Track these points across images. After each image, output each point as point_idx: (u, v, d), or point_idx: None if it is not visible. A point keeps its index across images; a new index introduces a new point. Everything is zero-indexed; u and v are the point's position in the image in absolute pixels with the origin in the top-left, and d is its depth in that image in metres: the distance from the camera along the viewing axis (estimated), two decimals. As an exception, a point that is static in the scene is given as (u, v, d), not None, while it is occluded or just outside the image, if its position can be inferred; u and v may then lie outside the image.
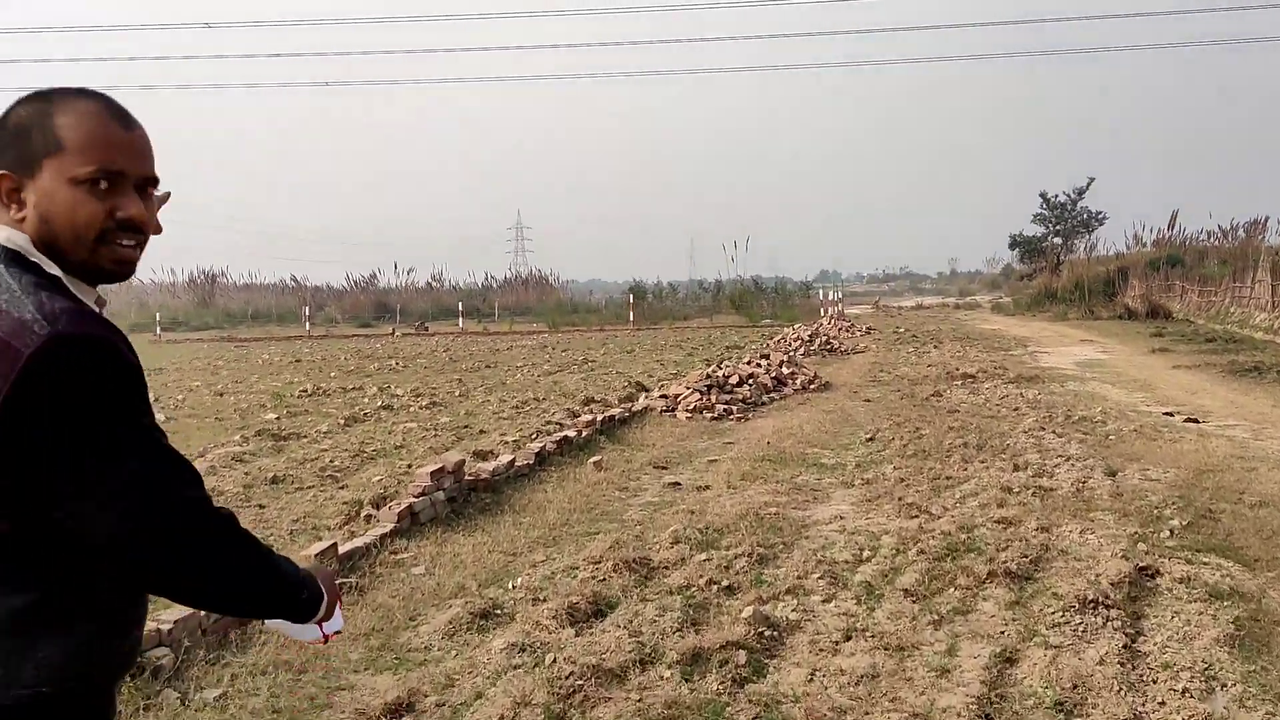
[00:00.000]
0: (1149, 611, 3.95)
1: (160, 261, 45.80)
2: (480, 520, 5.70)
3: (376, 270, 59.54)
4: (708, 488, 6.50)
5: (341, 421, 9.80)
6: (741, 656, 3.46)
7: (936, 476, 6.55)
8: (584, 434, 8.18)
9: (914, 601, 4.09)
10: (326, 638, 1.45)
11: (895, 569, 4.55)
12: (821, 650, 3.61)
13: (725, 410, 9.90)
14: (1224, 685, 3.25)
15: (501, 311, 39.65)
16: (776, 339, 19.98)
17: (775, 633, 3.74)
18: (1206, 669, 3.35)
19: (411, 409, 10.84)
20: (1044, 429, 8.41)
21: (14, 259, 1.17)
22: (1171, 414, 9.38)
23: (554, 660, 3.43)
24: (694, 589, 4.24)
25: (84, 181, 1.18)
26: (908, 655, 3.55)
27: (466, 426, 9.31)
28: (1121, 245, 41.64)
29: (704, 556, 4.69)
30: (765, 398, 11.02)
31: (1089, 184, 43.30)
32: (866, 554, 4.80)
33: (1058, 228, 44.34)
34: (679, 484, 6.69)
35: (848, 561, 4.69)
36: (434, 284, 48.44)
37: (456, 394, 12.33)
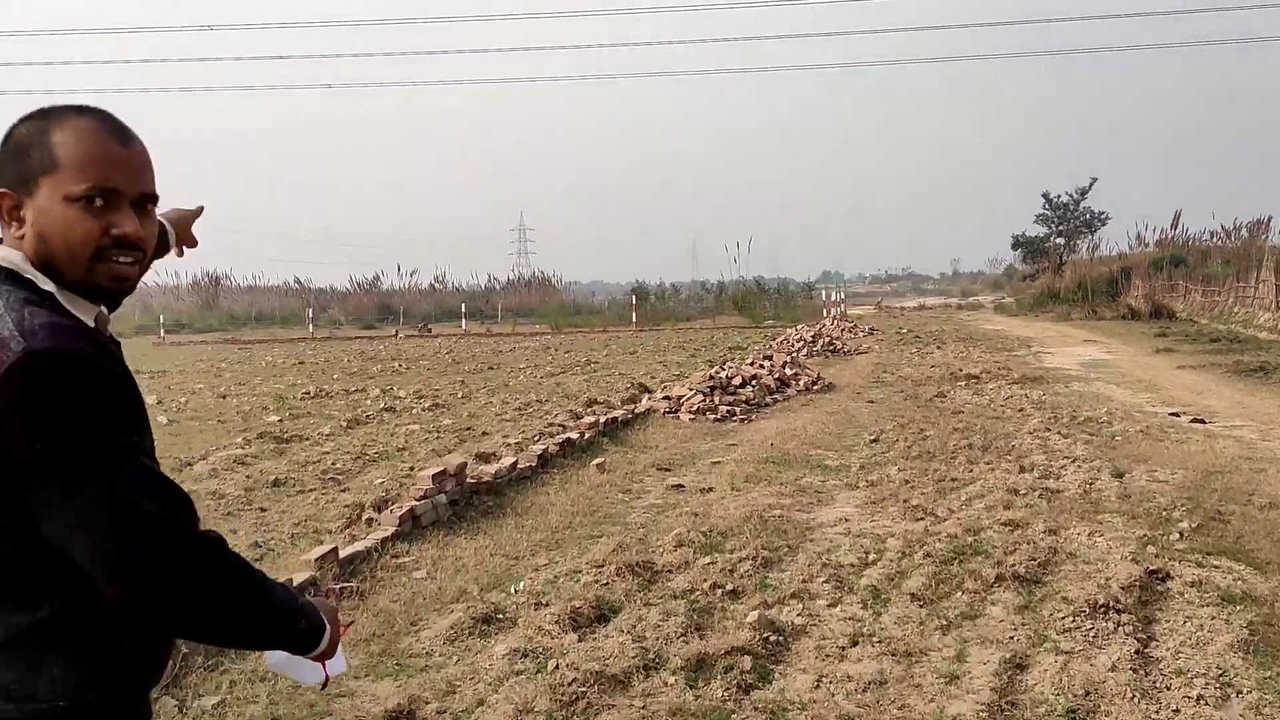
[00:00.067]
0: (1160, 616, 3.89)
1: (164, 264, 45.88)
2: (482, 523, 5.66)
3: (380, 272, 59.68)
4: (711, 490, 6.45)
5: (344, 424, 9.76)
6: (747, 662, 3.41)
7: (941, 478, 6.50)
8: (587, 436, 8.14)
9: (921, 606, 4.04)
10: (328, 679, 1.40)
11: (901, 572, 4.49)
12: (828, 656, 3.56)
13: (728, 412, 9.85)
14: (1239, 692, 3.19)
15: (504, 313, 39.63)
16: (779, 340, 19.92)
17: (781, 638, 3.69)
18: (1221, 675, 3.29)
19: (414, 411, 10.81)
20: (1049, 430, 8.35)
21: (8, 276, 1.18)
22: (1178, 414, 9.31)
23: (556, 666, 3.38)
24: (698, 593, 4.19)
25: (79, 199, 1.18)
26: (916, 661, 3.50)
27: (469, 428, 9.27)
28: (1124, 245, 41.50)
29: (708, 560, 4.65)
30: (768, 399, 10.97)
31: (1091, 184, 43.23)
32: (872, 557, 4.75)
33: (1060, 228, 44.22)
34: (682, 486, 6.65)
35: (853, 565, 4.64)
36: (437, 285, 48.49)
37: (459, 396, 12.29)
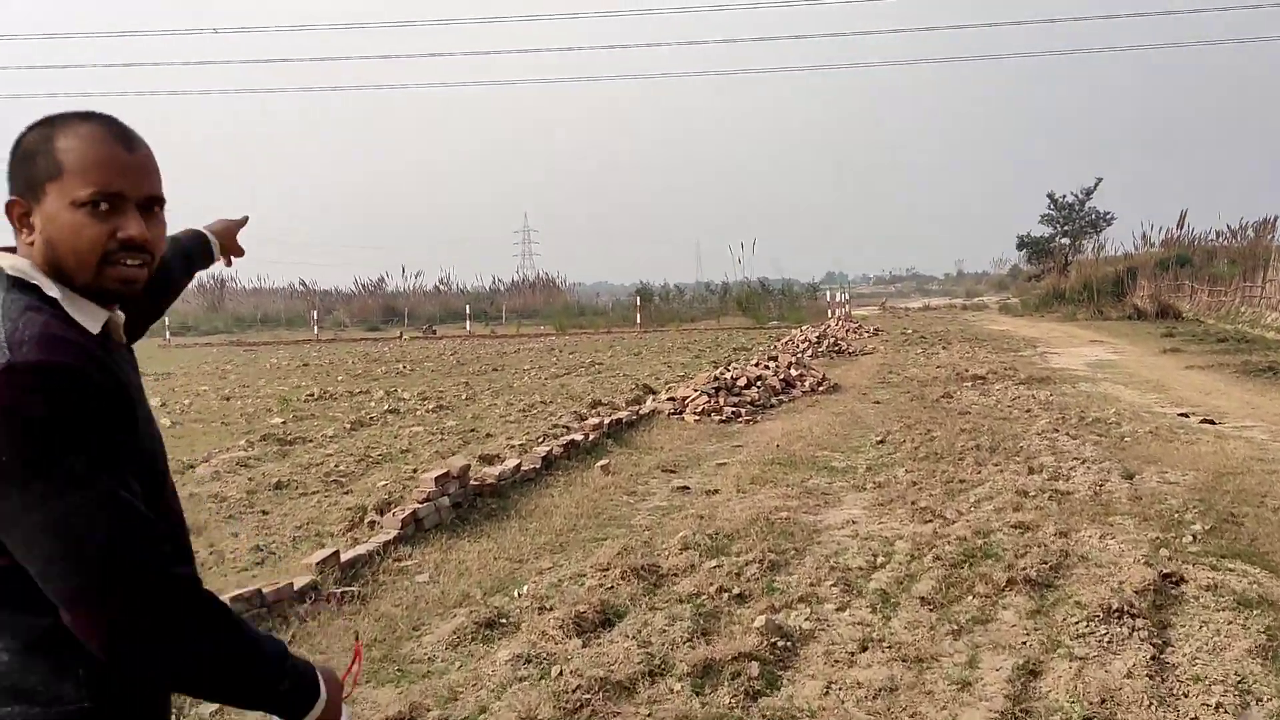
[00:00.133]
0: (1175, 621, 3.82)
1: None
2: (486, 526, 5.61)
3: (384, 274, 59.68)
4: (717, 492, 6.39)
5: (347, 426, 9.72)
6: (754, 668, 3.35)
7: (949, 480, 6.43)
8: (591, 437, 8.08)
9: (931, 610, 3.98)
10: None
11: (911, 576, 4.43)
12: (837, 661, 3.50)
13: (733, 413, 9.79)
14: (1259, 700, 3.12)
15: (509, 314, 39.60)
16: (784, 341, 19.85)
17: (788, 643, 3.63)
18: (1239, 682, 3.22)
19: (418, 413, 10.76)
20: (1057, 431, 8.27)
21: (15, 283, 1.18)
22: (1187, 415, 9.23)
23: (560, 672, 3.33)
24: (704, 597, 4.13)
25: (84, 204, 1.19)
26: (927, 667, 3.43)
27: (473, 430, 9.22)
28: (1130, 245, 41.33)
29: (714, 563, 4.58)
30: (774, 400, 10.91)
31: (1096, 184, 43.05)
32: (880, 560, 4.68)
33: (1065, 228, 44.07)
34: (688, 488, 6.59)
35: (861, 568, 4.58)
36: (441, 287, 48.43)
37: (463, 397, 12.24)
